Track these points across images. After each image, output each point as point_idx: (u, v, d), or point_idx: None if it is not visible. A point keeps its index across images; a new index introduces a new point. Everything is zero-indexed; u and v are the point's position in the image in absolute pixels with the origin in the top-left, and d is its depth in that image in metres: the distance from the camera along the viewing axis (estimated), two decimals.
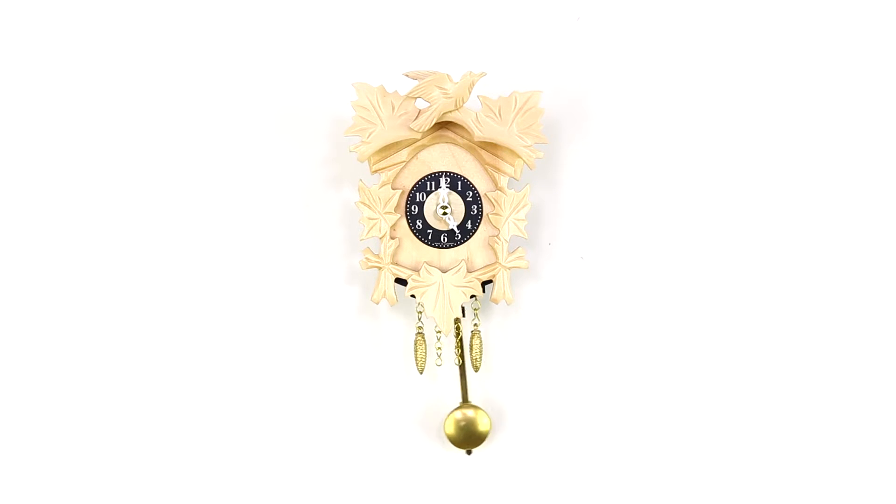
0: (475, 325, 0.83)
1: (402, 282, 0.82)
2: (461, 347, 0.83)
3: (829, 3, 0.87)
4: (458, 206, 0.82)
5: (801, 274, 0.86)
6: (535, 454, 0.86)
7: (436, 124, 0.80)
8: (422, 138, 0.81)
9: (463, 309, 0.82)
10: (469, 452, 0.85)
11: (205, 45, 0.87)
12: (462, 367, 0.84)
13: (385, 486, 0.86)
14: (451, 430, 0.84)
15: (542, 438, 0.86)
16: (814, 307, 0.86)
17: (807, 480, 0.86)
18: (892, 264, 0.86)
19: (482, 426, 0.84)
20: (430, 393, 0.86)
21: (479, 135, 0.80)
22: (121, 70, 0.87)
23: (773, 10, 0.87)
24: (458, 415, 0.84)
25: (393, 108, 0.80)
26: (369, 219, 0.81)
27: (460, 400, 0.84)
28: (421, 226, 0.82)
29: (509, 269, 0.82)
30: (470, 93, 0.79)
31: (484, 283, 0.82)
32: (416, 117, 0.80)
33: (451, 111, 0.79)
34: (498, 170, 0.82)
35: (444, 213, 0.81)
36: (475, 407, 0.84)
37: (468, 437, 0.84)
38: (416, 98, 0.80)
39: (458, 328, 0.83)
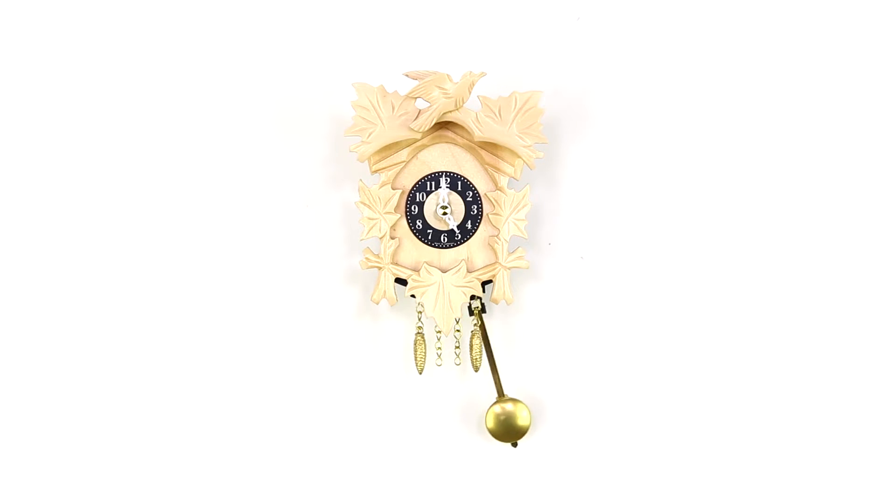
0: (475, 324, 0.83)
1: (402, 282, 0.82)
2: (487, 344, 0.83)
3: (829, 3, 0.87)
4: (458, 206, 0.82)
5: (801, 273, 0.87)
6: (536, 454, 0.86)
7: (436, 124, 0.80)
8: (422, 138, 0.81)
9: (476, 306, 0.82)
10: (515, 445, 0.84)
11: (205, 45, 0.87)
12: (491, 362, 0.83)
13: (385, 487, 0.86)
14: (491, 423, 0.83)
15: (542, 438, 0.86)
16: (813, 306, 0.86)
17: (808, 473, 0.86)
18: (892, 264, 0.86)
19: (521, 420, 0.83)
20: (431, 393, 0.86)
21: (479, 135, 0.80)
22: (121, 71, 0.87)
23: (772, 10, 0.87)
24: (498, 409, 0.84)
25: (393, 108, 0.80)
26: (369, 219, 0.81)
27: (496, 395, 0.84)
28: (421, 226, 0.82)
29: (509, 269, 0.82)
30: (470, 93, 0.79)
31: (484, 283, 0.82)
32: (416, 117, 0.80)
33: (451, 111, 0.79)
34: (498, 170, 0.82)
35: (444, 213, 0.81)
36: (514, 400, 0.84)
37: (508, 431, 0.83)
38: (416, 98, 0.80)
39: (480, 323, 0.83)
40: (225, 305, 0.86)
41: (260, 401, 0.86)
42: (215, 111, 0.87)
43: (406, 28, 0.87)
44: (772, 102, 0.87)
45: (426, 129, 0.80)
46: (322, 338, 0.86)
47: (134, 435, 0.86)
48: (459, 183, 0.82)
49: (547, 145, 0.83)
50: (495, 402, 0.84)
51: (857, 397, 0.86)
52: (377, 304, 0.82)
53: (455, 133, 0.82)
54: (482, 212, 0.82)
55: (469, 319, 0.83)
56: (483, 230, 0.82)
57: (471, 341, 0.83)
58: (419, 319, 0.83)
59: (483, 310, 0.82)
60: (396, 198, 0.81)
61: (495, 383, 0.84)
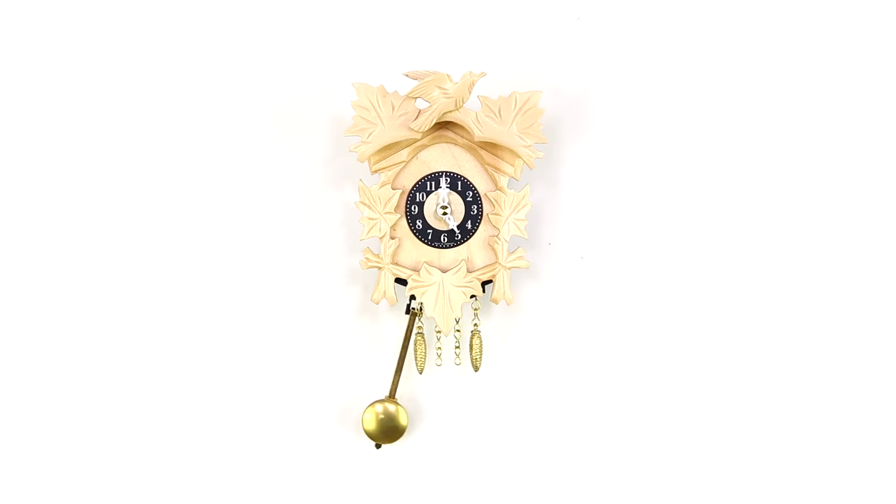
0: (475, 325, 0.83)
1: (402, 282, 0.82)
2: (406, 342, 0.83)
3: (829, 3, 0.87)
4: (458, 206, 0.82)
5: (801, 273, 0.87)
6: (536, 453, 0.86)
7: (436, 124, 0.80)
8: (422, 138, 0.81)
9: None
10: (378, 447, 0.84)
11: (205, 45, 0.87)
12: (399, 362, 0.83)
13: (385, 487, 0.86)
14: (370, 425, 0.83)
15: (542, 437, 0.86)
16: (813, 306, 0.86)
17: (805, 481, 0.86)
18: (892, 264, 0.86)
19: (402, 421, 0.84)
20: (430, 393, 0.86)
21: (479, 135, 0.80)
22: (121, 71, 0.87)
23: (772, 10, 0.87)
24: (379, 408, 0.84)
25: (393, 108, 0.80)
26: (369, 219, 0.81)
27: (387, 394, 0.84)
28: (421, 226, 0.82)
29: (509, 269, 0.82)
30: (470, 93, 0.79)
31: (484, 283, 0.82)
32: (416, 117, 0.80)
33: (451, 111, 0.79)
34: (498, 170, 0.82)
35: (444, 213, 0.81)
36: (396, 403, 0.84)
37: (386, 432, 0.83)
38: (416, 98, 0.80)
39: (410, 327, 0.83)
40: (225, 305, 0.86)
41: (260, 400, 0.86)
42: (216, 111, 0.87)
43: (406, 28, 0.87)
44: (772, 102, 0.87)
45: (426, 129, 0.80)
46: (322, 338, 0.86)
47: (134, 434, 0.86)
48: (459, 183, 0.82)
49: (547, 145, 0.83)
50: (377, 402, 0.84)
51: (856, 398, 0.86)
52: (377, 304, 0.82)
53: (455, 133, 0.82)
54: (482, 212, 0.82)
55: (469, 319, 0.83)
56: (483, 230, 0.82)
57: (471, 341, 0.83)
58: (419, 319, 0.83)
59: (418, 310, 0.82)
60: (396, 198, 0.81)
61: (392, 383, 0.84)
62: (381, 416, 0.83)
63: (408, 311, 0.82)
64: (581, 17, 0.88)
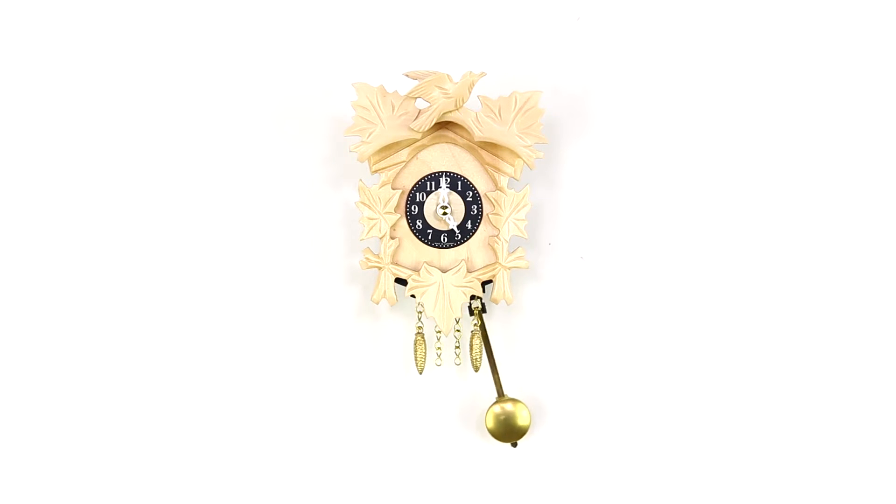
0: (475, 324, 0.83)
1: (402, 282, 0.82)
2: (487, 344, 0.83)
3: (830, 3, 0.87)
4: (458, 206, 0.82)
5: (800, 273, 0.87)
6: (535, 454, 0.86)
7: (436, 124, 0.80)
8: (422, 138, 0.81)
9: (476, 306, 0.82)
10: (514, 445, 0.85)
11: (205, 45, 0.87)
12: (492, 362, 0.83)
13: (385, 487, 0.86)
14: (491, 423, 0.83)
15: (542, 438, 0.86)
16: (813, 305, 0.86)
17: (808, 472, 0.86)
18: (892, 264, 0.86)
19: (521, 420, 0.83)
20: (431, 393, 0.86)
21: (479, 135, 0.80)
22: (121, 71, 0.87)
23: (772, 10, 0.87)
24: (498, 409, 0.84)
25: (393, 108, 0.80)
26: (369, 219, 0.81)
27: (496, 395, 0.84)
28: (421, 226, 0.82)
29: (509, 269, 0.82)
30: (470, 93, 0.79)
31: (484, 283, 0.82)
32: (416, 117, 0.80)
33: (451, 111, 0.79)
34: (498, 170, 0.82)
35: (444, 213, 0.81)
36: (514, 400, 0.84)
37: (508, 431, 0.83)
38: (416, 98, 0.80)
39: (480, 322, 0.83)
40: (225, 306, 0.86)
41: (260, 401, 0.86)
42: (216, 111, 0.87)
43: (406, 28, 0.87)
44: (771, 102, 0.87)
45: (426, 129, 0.80)
46: (322, 338, 0.86)
47: (134, 435, 0.86)
48: (459, 183, 0.82)
49: (547, 145, 0.83)
50: (495, 402, 0.84)
51: (857, 397, 0.86)
52: (377, 304, 0.82)
53: (455, 133, 0.82)
54: (482, 212, 0.82)
55: (469, 319, 0.83)
56: (483, 230, 0.82)
57: (471, 341, 0.83)
58: (419, 319, 0.83)
59: (483, 309, 0.83)
60: (396, 198, 0.81)
61: (495, 383, 0.84)
62: (502, 417, 0.83)
63: (472, 313, 0.82)
64: (581, 17, 0.88)
